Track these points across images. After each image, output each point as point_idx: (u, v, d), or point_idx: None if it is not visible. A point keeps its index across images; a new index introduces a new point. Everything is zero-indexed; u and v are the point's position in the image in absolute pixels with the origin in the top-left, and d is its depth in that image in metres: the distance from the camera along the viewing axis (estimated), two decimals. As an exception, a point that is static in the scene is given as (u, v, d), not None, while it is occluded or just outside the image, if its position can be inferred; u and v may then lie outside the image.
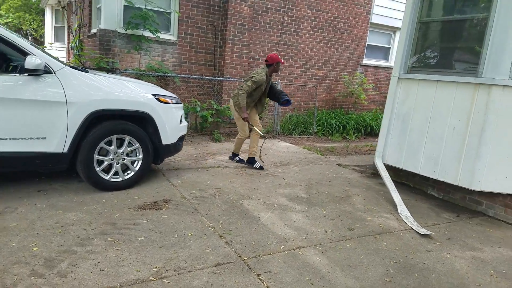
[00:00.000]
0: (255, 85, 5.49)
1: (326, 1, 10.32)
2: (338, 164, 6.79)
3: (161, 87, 8.59)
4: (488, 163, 4.29)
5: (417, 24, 5.01)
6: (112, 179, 4.27)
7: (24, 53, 3.65)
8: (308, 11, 10.12)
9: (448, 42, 4.86)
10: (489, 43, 4.18)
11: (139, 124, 4.46)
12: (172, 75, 8.21)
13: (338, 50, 10.82)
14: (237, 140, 6.00)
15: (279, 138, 8.90)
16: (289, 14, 9.85)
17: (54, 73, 3.78)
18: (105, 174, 4.23)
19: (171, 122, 4.66)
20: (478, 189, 4.40)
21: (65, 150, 3.86)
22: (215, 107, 8.26)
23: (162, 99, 4.55)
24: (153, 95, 4.48)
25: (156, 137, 4.52)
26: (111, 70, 7.42)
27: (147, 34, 7.97)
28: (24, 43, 3.72)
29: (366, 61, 11.40)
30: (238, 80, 8.94)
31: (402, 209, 4.48)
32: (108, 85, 4.16)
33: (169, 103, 4.64)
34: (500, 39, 4.11)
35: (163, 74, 8.01)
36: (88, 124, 3.97)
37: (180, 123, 4.87)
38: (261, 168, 5.91)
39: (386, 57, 12.05)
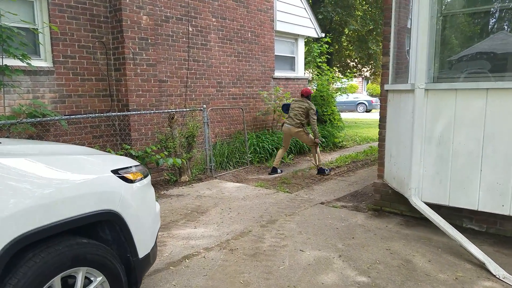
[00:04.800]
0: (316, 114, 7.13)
1: (230, 8, 8.85)
2: (322, 203, 5.35)
3: (39, 136, 5.87)
4: None
5: (439, 19, 3.91)
6: None
7: None
8: (213, 20, 8.48)
9: (490, 41, 3.88)
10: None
11: (97, 235, 2.23)
12: (56, 118, 5.58)
13: (250, 64, 9.44)
14: (317, 149, 7.36)
15: (217, 178, 7.01)
16: (193, 23, 8.05)
17: None
18: None
19: (148, 213, 2.53)
20: None
21: None
22: (133, 154, 5.92)
23: (128, 176, 2.40)
24: (115, 172, 2.31)
25: (129, 248, 2.34)
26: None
27: (10, 62, 5.23)
28: None
29: (277, 74, 10.31)
30: (154, 112, 6.75)
31: (495, 268, 3.26)
32: (33, 171, 1.88)
33: (138, 180, 2.51)
34: None
35: (46, 118, 5.36)
36: (4, 270, 1.64)
37: (156, 209, 2.75)
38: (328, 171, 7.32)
39: (292, 68, 11.19)
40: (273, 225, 4.46)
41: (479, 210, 3.74)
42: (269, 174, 7.40)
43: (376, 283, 3.10)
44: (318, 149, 7.32)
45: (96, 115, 6.02)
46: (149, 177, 2.75)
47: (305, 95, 7.22)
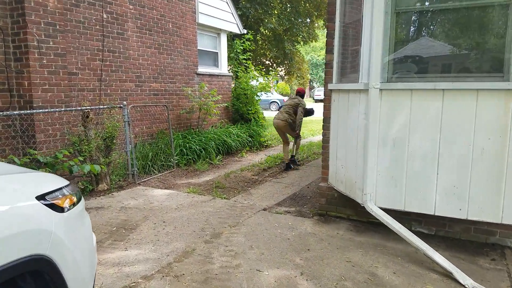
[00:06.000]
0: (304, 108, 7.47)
1: (149, -5, 8.04)
2: (264, 210, 5.00)
3: None
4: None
5: (393, 16, 3.77)
6: None
7: None
8: (131, 7, 7.62)
9: (446, 39, 3.84)
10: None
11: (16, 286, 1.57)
12: None
13: (172, 57, 8.72)
14: (299, 143, 7.99)
15: (141, 184, 6.24)
16: (108, 9, 7.13)
17: None
18: None
19: (85, 251, 1.90)
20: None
21: None
22: (41, 160, 4.92)
23: (59, 202, 1.75)
24: (41, 198, 1.65)
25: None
26: None
27: None
28: None
29: (201, 69, 9.72)
30: (64, 110, 5.75)
31: (462, 277, 3.17)
32: None
33: (71, 206, 1.87)
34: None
35: None
36: None
37: (93, 242, 2.11)
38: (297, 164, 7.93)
39: (215, 64, 10.69)
40: (218, 239, 3.97)
41: (436, 214, 3.69)
42: (285, 170, 7.52)
43: (349, 304, 2.83)
44: (298, 141, 7.86)
45: (-10, 113, 4.89)
46: (83, 201, 2.10)
47: (302, 92, 7.76)
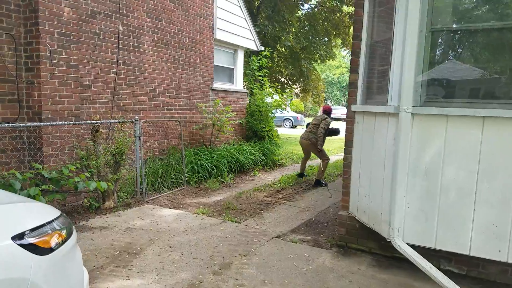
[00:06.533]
0: (327, 126, 7.42)
1: (167, 9, 7.94)
2: (278, 237, 4.66)
3: None
4: None
5: (428, 35, 3.47)
6: None
7: None
8: (148, 20, 7.50)
9: (485, 62, 3.52)
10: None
11: None
12: None
13: (187, 72, 8.55)
14: (325, 165, 7.62)
15: (150, 202, 5.97)
16: (125, 22, 7.00)
17: None
18: None
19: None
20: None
21: None
22: (45, 175, 4.69)
23: (43, 241, 1.47)
24: (19, 238, 1.37)
25: None
26: None
27: None
28: None
29: (216, 85, 9.53)
30: (74, 123, 5.55)
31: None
32: None
33: (60, 244, 1.58)
34: None
35: None
36: None
37: (84, 283, 1.82)
38: (325, 185, 7.68)
39: (231, 80, 10.51)
40: (228, 271, 3.64)
41: (471, 255, 3.30)
42: (297, 177, 8.21)
43: None
44: (324, 164, 7.61)
45: (-3, 125, 4.71)
46: (75, 234, 1.82)
47: (328, 110, 7.83)
